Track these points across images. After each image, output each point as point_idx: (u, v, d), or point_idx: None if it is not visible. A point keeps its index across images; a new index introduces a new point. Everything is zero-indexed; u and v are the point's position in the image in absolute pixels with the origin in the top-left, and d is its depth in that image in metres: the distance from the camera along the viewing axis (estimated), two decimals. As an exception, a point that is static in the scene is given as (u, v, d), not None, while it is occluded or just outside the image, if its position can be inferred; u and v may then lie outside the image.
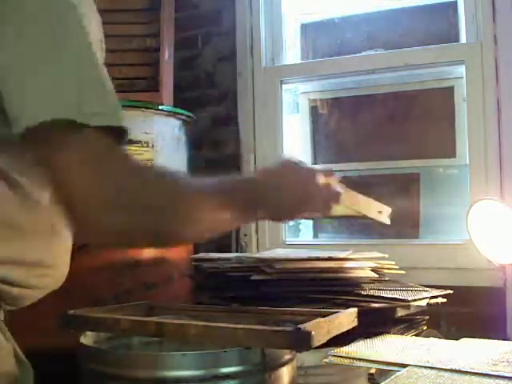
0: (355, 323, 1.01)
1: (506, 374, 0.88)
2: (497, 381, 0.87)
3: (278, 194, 0.92)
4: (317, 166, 2.09)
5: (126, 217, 0.73)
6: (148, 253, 1.53)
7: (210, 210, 0.81)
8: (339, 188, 1.01)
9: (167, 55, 1.70)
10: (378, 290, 1.27)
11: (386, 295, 1.22)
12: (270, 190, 0.91)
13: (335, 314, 0.96)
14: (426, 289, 1.35)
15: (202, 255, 1.54)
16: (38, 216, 0.83)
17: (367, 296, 1.22)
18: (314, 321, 0.88)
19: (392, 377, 0.90)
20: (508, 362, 0.96)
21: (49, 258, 0.87)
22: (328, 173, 1.01)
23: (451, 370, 0.91)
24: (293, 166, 0.96)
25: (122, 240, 0.79)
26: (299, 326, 0.84)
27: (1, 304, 0.83)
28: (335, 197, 1.00)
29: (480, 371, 0.90)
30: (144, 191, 0.74)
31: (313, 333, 0.83)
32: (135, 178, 0.74)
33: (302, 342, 0.83)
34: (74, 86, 0.70)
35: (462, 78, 1.82)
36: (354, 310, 1.01)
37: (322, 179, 0.97)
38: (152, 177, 0.78)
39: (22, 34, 0.70)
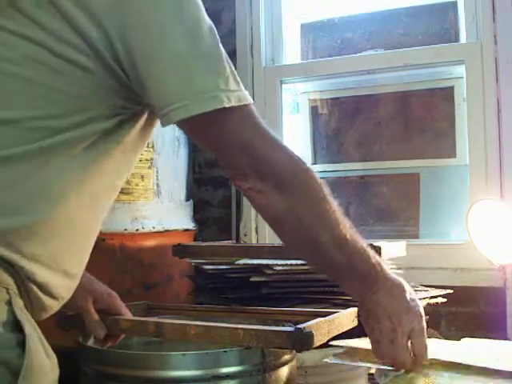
0: (355, 323, 1.01)
1: (505, 368, 0.88)
2: (497, 380, 0.87)
3: (387, 293, 0.89)
4: (317, 167, 2.09)
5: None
6: (148, 252, 1.53)
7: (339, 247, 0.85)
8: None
9: (167, 55, 1.70)
10: (378, 290, 1.27)
11: (386, 295, 1.22)
12: (387, 285, 0.90)
13: (335, 314, 0.96)
14: (425, 289, 1.35)
15: (201, 255, 1.53)
16: (92, 225, 0.86)
17: (367, 296, 1.22)
18: (314, 321, 0.88)
19: (392, 377, 0.90)
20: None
21: (78, 269, 0.87)
22: None
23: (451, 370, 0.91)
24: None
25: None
26: (299, 325, 0.84)
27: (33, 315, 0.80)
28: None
29: (480, 364, 0.90)
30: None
31: (313, 332, 0.83)
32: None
33: (303, 341, 0.83)
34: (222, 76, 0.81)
35: (462, 78, 1.82)
36: (354, 310, 1.01)
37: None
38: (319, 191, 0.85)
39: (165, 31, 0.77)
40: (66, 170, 0.78)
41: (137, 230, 1.49)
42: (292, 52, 2.10)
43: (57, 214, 0.78)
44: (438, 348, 1.08)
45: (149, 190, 1.54)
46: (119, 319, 0.98)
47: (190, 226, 1.72)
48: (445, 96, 1.90)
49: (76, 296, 0.90)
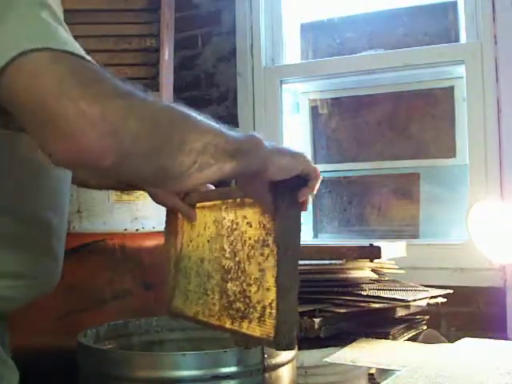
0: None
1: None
2: (503, 379, 0.87)
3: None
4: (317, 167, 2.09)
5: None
6: (148, 252, 1.53)
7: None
8: None
9: (167, 55, 1.70)
10: (378, 290, 1.27)
11: (385, 295, 1.22)
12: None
13: None
14: (425, 289, 1.35)
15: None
16: None
17: (367, 296, 1.22)
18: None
19: (392, 377, 0.90)
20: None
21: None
22: None
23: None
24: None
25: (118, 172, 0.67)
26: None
27: None
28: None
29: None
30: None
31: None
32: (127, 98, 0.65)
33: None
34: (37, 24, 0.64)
35: (462, 78, 1.82)
36: None
37: None
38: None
39: None
40: None
41: (137, 229, 1.49)
42: (292, 52, 2.10)
43: None
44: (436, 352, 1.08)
45: (149, 190, 1.54)
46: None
47: (190, 225, 1.72)
48: (445, 96, 1.91)
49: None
